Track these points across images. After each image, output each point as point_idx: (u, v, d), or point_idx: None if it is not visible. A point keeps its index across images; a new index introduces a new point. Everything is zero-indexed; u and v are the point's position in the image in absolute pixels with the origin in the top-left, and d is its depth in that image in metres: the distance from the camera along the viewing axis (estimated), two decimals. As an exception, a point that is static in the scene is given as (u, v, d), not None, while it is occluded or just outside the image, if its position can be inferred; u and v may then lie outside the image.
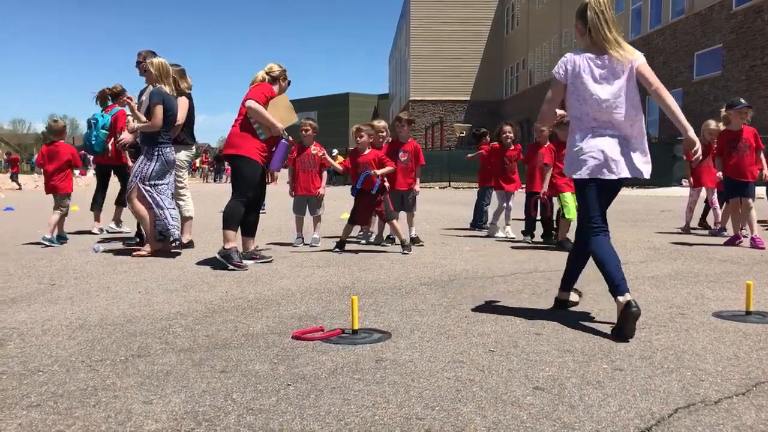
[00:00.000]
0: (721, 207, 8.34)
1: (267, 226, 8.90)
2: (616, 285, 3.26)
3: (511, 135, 8.09)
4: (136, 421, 2.18)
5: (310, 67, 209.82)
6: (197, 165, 41.72)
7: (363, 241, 7.34)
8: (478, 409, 2.27)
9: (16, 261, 5.96)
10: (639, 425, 2.12)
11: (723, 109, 7.30)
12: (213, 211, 10.76)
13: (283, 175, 7.44)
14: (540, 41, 38.85)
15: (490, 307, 3.92)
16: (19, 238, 7.79)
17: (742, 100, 7.10)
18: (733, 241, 6.97)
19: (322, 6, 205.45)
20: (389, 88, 66.83)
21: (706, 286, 4.60)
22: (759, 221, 7.60)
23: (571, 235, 6.90)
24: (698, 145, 3.39)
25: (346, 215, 7.02)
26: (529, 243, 7.31)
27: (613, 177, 3.41)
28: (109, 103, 8.00)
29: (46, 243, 6.90)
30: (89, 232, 8.15)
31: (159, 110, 5.90)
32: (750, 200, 6.87)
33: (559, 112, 3.98)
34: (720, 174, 7.57)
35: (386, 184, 6.66)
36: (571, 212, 6.68)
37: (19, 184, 28.36)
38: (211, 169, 42.33)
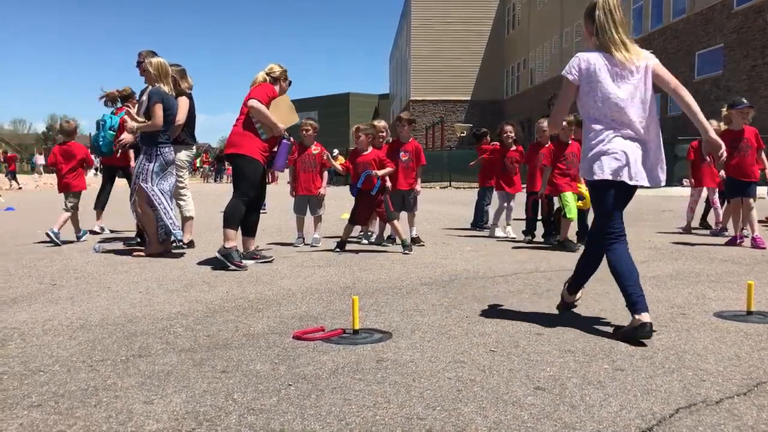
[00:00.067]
0: (722, 206, 8.34)
1: (267, 226, 8.91)
2: (633, 302, 3.17)
3: (512, 135, 8.10)
4: (137, 421, 2.18)
5: (310, 67, 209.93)
6: (197, 165, 41.73)
7: (364, 241, 7.34)
8: (479, 409, 2.27)
9: (17, 261, 5.96)
10: (640, 425, 2.12)
11: (724, 109, 7.30)
12: (213, 211, 10.76)
13: (284, 175, 7.44)
14: (541, 41, 38.85)
15: (491, 307, 3.92)
16: (19, 238, 7.80)
17: (744, 100, 7.11)
18: (734, 241, 6.97)
19: (322, 6, 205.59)
20: (390, 88, 66.83)
21: (707, 286, 4.60)
22: (760, 221, 7.60)
23: (571, 235, 6.93)
24: (723, 146, 3.30)
25: (347, 215, 7.02)
26: (529, 243, 7.31)
27: (634, 183, 3.27)
28: (119, 105, 8.04)
29: (51, 236, 7.01)
30: (91, 231, 8.16)
31: (158, 109, 5.90)
32: (751, 200, 6.87)
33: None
34: (723, 173, 7.57)
35: (388, 184, 6.66)
36: (572, 212, 6.68)
37: (18, 183, 28.32)
38: (212, 169, 42.33)
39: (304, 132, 7.17)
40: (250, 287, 4.63)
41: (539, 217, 7.53)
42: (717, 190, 8.44)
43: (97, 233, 8.17)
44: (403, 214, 7.31)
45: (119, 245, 7.07)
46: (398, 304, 4.04)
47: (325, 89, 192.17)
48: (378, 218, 7.17)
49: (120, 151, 7.40)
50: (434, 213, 12.14)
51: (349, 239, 6.80)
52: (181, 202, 6.72)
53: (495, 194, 8.57)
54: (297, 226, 7.25)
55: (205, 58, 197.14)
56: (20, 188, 27.22)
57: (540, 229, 7.47)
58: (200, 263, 5.75)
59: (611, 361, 2.80)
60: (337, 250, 6.53)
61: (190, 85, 6.74)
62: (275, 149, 5.87)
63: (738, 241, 6.95)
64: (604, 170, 3.27)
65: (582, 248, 6.63)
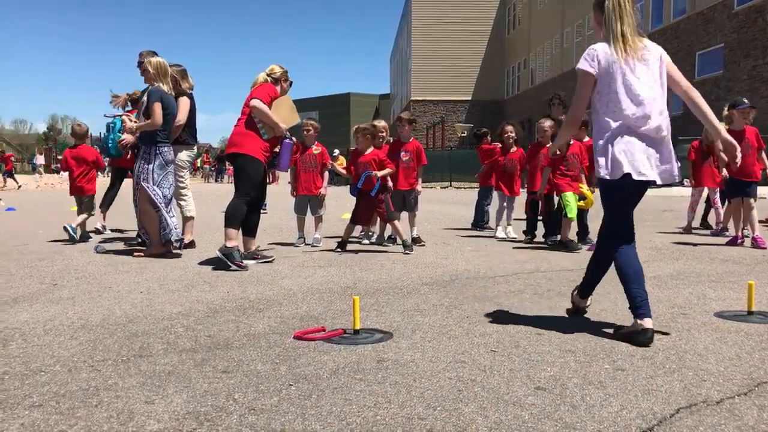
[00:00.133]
0: (723, 206, 8.34)
1: (268, 226, 8.91)
2: (637, 306, 3.14)
3: (513, 134, 8.10)
4: (138, 421, 2.19)
5: (310, 67, 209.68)
6: (198, 165, 41.72)
7: (365, 241, 7.34)
8: (479, 409, 2.27)
9: (18, 261, 5.97)
10: (641, 425, 2.12)
11: (725, 109, 7.30)
12: (214, 212, 10.76)
13: (285, 174, 7.44)
14: (541, 41, 38.84)
15: (491, 307, 3.92)
16: (20, 238, 7.80)
17: (746, 101, 7.11)
18: (735, 241, 6.97)
19: (322, 6, 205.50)
20: (390, 87, 66.83)
21: (708, 286, 4.60)
22: (760, 221, 7.60)
23: (571, 235, 6.93)
24: (738, 147, 3.22)
25: (348, 215, 7.02)
26: (530, 243, 7.31)
27: (648, 179, 3.17)
28: (128, 108, 8.06)
29: (69, 230, 7.23)
30: (94, 230, 8.17)
31: (157, 108, 5.91)
32: (752, 200, 6.87)
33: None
34: (725, 172, 7.57)
35: (389, 183, 6.66)
36: (573, 212, 6.68)
37: (16, 182, 28.24)
38: (213, 169, 42.35)
39: (305, 132, 7.18)
40: (251, 287, 4.63)
41: (539, 216, 7.53)
42: (717, 190, 8.44)
43: (100, 232, 8.18)
44: (404, 214, 7.31)
45: (120, 245, 7.07)
46: (399, 304, 4.04)
47: (325, 89, 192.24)
48: (379, 218, 7.17)
49: (129, 153, 7.44)
50: (435, 213, 12.15)
51: (349, 239, 6.81)
52: (182, 202, 6.73)
53: (495, 194, 8.58)
54: (298, 226, 7.26)
55: (205, 58, 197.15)
56: (19, 187, 27.21)
57: (540, 229, 7.47)
58: (201, 263, 5.75)
59: (612, 361, 2.81)
60: (338, 250, 6.54)
61: (191, 86, 6.74)
62: (276, 149, 5.87)
63: (739, 241, 6.95)
64: (617, 169, 3.15)
65: (582, 248, 6.69)
